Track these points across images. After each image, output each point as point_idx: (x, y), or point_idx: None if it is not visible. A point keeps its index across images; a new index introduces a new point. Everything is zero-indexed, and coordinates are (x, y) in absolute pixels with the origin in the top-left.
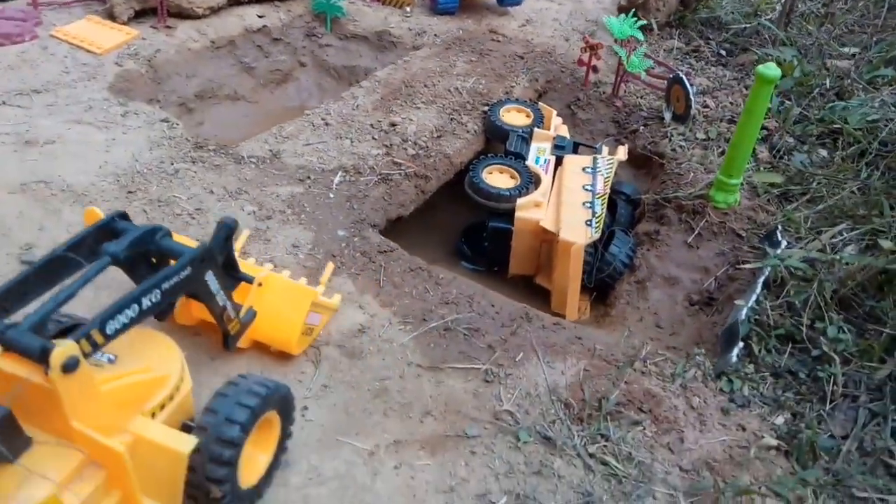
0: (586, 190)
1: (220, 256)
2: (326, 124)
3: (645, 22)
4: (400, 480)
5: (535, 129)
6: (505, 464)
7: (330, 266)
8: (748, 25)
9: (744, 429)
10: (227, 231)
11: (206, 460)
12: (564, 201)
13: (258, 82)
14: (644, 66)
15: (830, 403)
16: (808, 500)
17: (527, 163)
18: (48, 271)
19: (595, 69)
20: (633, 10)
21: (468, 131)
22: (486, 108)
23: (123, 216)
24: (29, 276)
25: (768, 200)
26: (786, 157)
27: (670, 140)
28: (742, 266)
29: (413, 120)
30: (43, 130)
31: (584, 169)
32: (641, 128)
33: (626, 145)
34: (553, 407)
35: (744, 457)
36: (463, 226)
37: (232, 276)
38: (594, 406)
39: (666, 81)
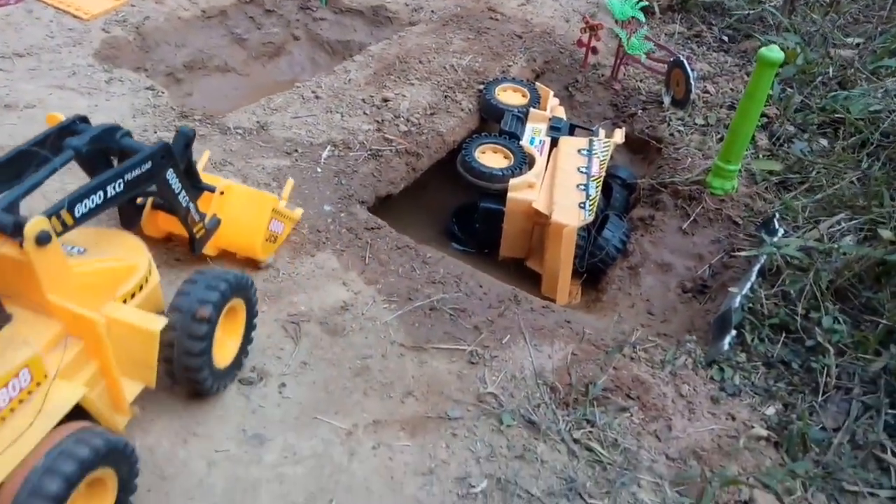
0: (581, 172)
1: (181, 162)
2: (317, 97)
3: (647, 3)
4: (378, 461)
5: (531, 110)
6: (487, 447)
7: (290, 182)
8: (752, 11)
9: (733, 418)
10: (184, 139)
11: (183, 336)
12: (558, 183)
13: (250, 54)
14: (644, 49)
15: (823, 395)
16: (797, 492)
17: (521, 143)
18: (15, 165)
19: (594, 51)
20: None
21: (462, 109)
22: (481, 87)
23: (84, 119)
24: None
25: (766, 188)
26: (785, 144)
27: (668, 125)
28: (737, 254)
29: (406, 96)
30: (24, 94)
31: (579, 151)
32: (640, 111)
33: (624, 128)
34: (538, 390)
35: (732, 447)
36: (454, 206)
37: (194, 185)
38: (581, 391)
39: (666, 65)
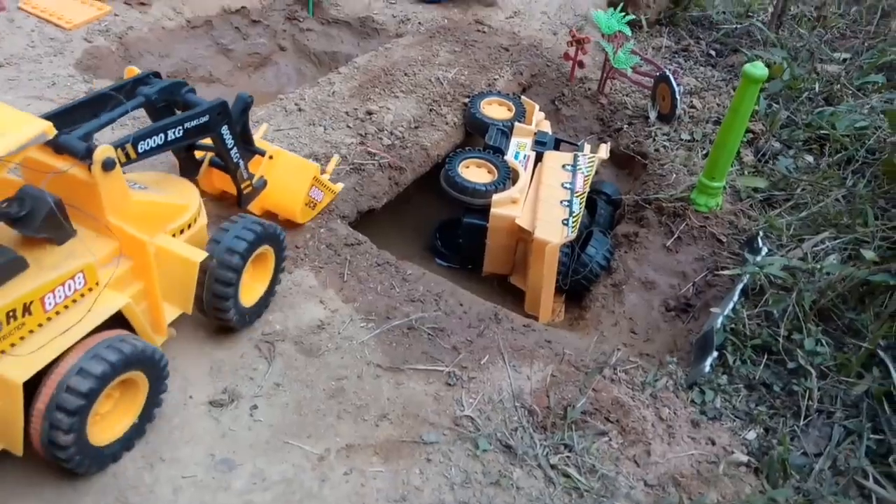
0: (565, 188)
1: (236, 124)
2: (300, 110)
3: (634, 17)
4: (349, 487)
5: (516, 124)
6: (462, 472)
7: (336, 158)
8: (739, 26)
9: (713, 443)
10: (242, 104)
11: (214, 272)
12: (542, 199)
13: (235, 65)
14: (631, 63)
15: (805, 419)
16: None
17: (506, 158)
18: (94, 104)
19: (581, 64)
20: (623, 4)
21: (447, 123)
22: (466, 100)
23: (157, 74)
24: (78, 105)
25: (751, 205)
26: (771, 161)
27: (654, 140)
28: (721, 272)
29: (391, 109)
30: None
31: (564, 166)
32: (625, 126)
33: (609, 143)
34: (516, 413)
35: (712, 473)
36: (438, 221)
37: (248, 147)
38: (559, 414)
39: (652, 79)
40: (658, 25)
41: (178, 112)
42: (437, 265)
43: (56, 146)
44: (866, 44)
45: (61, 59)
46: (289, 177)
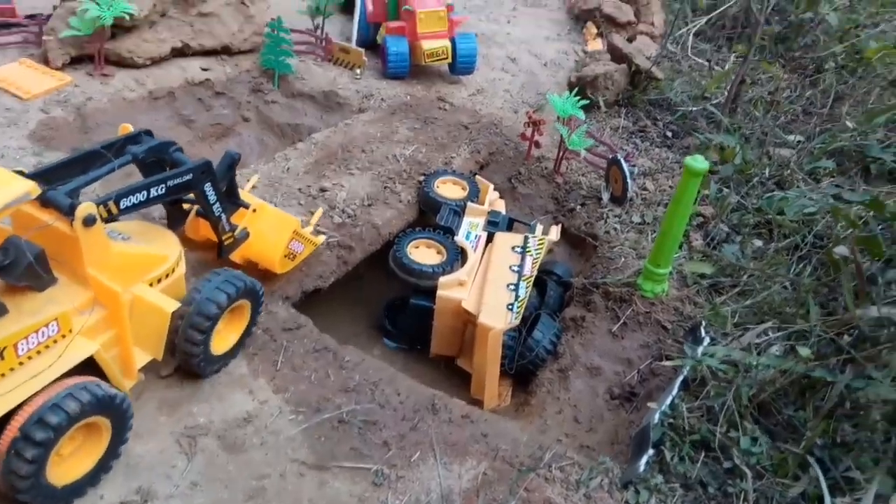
0: (513, 271)
1: (222, 180)
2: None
3: (587, 102)
4: None
5: (469, 204)
6: None
7: (319, 210)
8: (695, 108)
9: None
10: (229, 160)
11: (187, 324)
12: (489, 281)
13: (196, 135)
14: (584, 145)
15: None
16: None
17: (456, 238)
18: (84, 161)
19: (537, 144)
20: (582, 87)
21: (401, 201)
22: (422, 178)
23: (149, 133)
24: (68, 162)
25: (698, 291)
26: (719, 246)
27: (605, 222)
28: (663, 363)
29: (344, 186)
30: None
31: (513, 248)
32: (578, 207)
33: (560, 225)
34: None
35: None
36: (386, 300)
37: (233, 200)
38: None
39: (606, 161)
40: (617, 106)
41: (167, 169)
42: (385, 345)
43: (43, 201)
44: (818, 128)
45: (14, 129)
46: (270, 229)
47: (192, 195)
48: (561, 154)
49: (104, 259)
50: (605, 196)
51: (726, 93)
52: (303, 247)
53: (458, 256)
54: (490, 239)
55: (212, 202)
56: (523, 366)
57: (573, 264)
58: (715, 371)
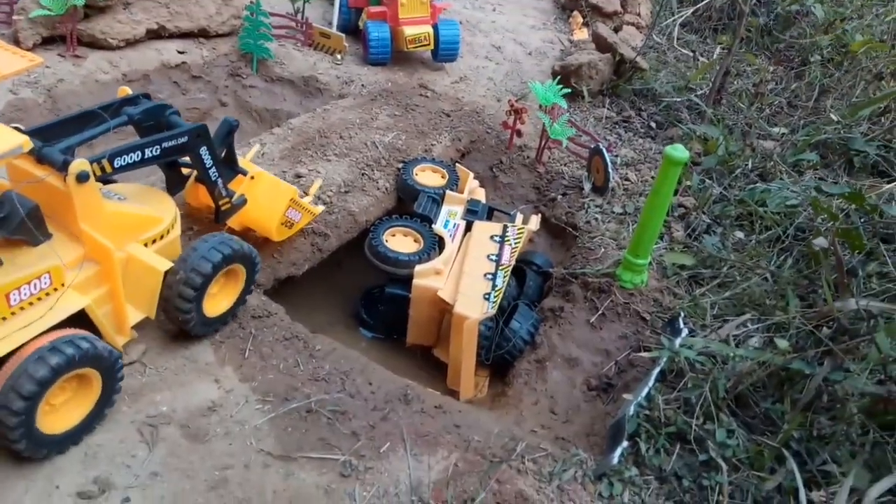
0: (491, 260)
1: (220, 147)
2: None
3: (569, 90)
4: None
5: (448, 192)
6: None
7: (318, 181)
8: (680, 99)
9: None
10: (227, 126)
11: (180, 283)
12: (466, 271)
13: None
14: (566, 134)
15: None
16: None
17: (434, 226)
18: (80, 120)
19: (519, 133)
20: (566, 76)
21: (379, 188)
22: (401, 166)
23: (147, 96)
24: (66, 121)
25: (677, 282)
26: (701, 237)
27: (586, 212)
28: (641, 354)
29: (321, 172)
30: None
31: (492, 237)
32: (560, 196)
33: (540, 215)
34: None
35: None
36: (363, 289)
37: (231, 167)
38: None
39: (588, 150)
40: (601, 96)
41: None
42: (361, 334)
43: (38, 157)
44: (802, 121)
45: None
46: (267, 197)
47: (189, 160)
48: (543, 143)
49: (97, 216)
50: (587, 186)
51: (711, 84)
52: (300, 216)
53: (435, 245)
54: (469, 228)
55: (208, 166)
56: (500, 356)
57: (554, 254)
58: (692, 363)
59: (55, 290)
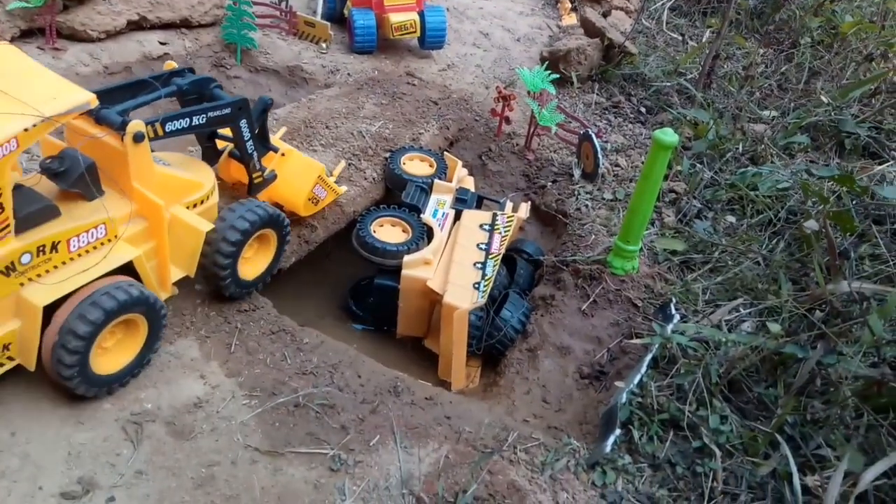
0: (480, 249)
1: (255, 123)
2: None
3: (557, 76)
4: None
5: (436, 181)
6: None
7: (342, 163)
8: (669, 84)
9: None
10: (263, 105)
11: (219, 242)
12: (455, 260)
13: (155, 112)
14: (555, 121)
15: (709, 502)
16: None
17: (422, 216)
18: (133, 88)
19: (507, 120)
20: (554, 62)
21: (366, 178)
22: (388, 155)
23: (191, 70)
24: (120, 87)
25: (669, 268)
26: (692, 222)
27: (577, 198)
28: (632, 341)
29: None
30: None
31: (481, 226)
32: (550, 184)
33: (529, 203)
34: (403, 502)
35: None
36: (352, 281)
37: (263, 143)
38: (449, 502)
39: (577, 137)
40: (590, 81)
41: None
42: (352, 327)
43: (97, 117)
44: (793, 103)
45: None
46: (296, 173)
47: (227, 134)
48: (532, 130)
49: (148, 176)
50: (577, 172)
51: (700, 68)
52: (326, 193)
53: (423, 235)
54: (458, 217)
55: (246, 139)
56: (492, 346)
57: (545, 242)
58: (685, 349)
59: (109, 240)
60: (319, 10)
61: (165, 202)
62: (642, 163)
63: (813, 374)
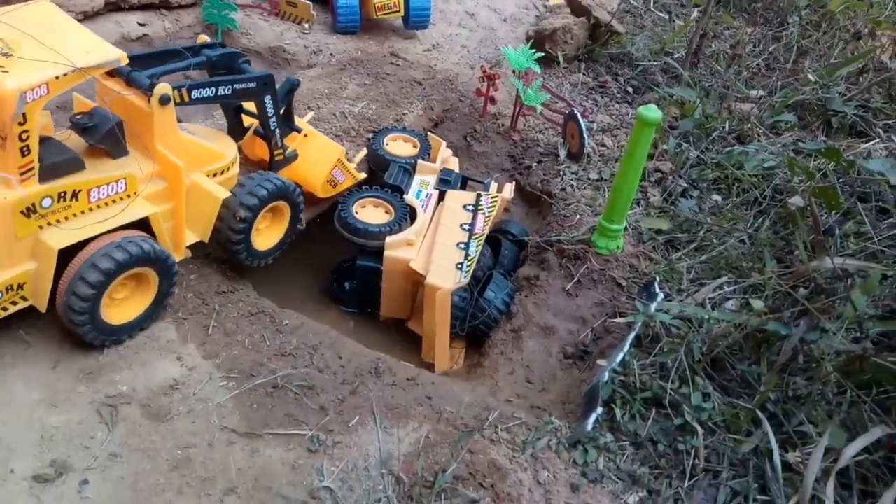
0: (464, 230)
1: (281, 102)
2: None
3: (542, 55)
4: None
5: (420, 162)
6: None
7: (363, 151)
8: (656, 63)
9: None
10: (290, 85)
11: (230, 216)
12: (438, 241)
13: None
14: (541, 100)
15: (690, 479)
16: None
17: (405, 197)
18: (165, 56)
19: (493, 100)
20: (540, 41)
21: (349, 159)
22: (370, 136)
23: (223, 45)
24: (153, 54)
25: (654, 247)
26: (678, 201)
27: (562, 179)
28: (616, 320)
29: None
30: None
31: (464, 206)
32: (535, 164)
33: (514, 183)
34: (382, 482)
35: None
36: (336, 262)
37: (287, 124)
38: (429, 481)
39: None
40: (577, 61)
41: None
42: (333, 308)
43: (128, 79)
44: (780, 82)
45: None
46: (316, 154)
47: (252, 109)
48: (517, 110)
49: (172, 139)
50: (562, 153)
51: (687, 47)
52: (345, 177)
53: (406, 216)
54: (442, 197)
55: (269, 115)
56: (476, 327)
57: (530, 223)
58: (668, 327)
59: (128, 196)
60: None
61: (187, 168)
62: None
63: (796, 350)
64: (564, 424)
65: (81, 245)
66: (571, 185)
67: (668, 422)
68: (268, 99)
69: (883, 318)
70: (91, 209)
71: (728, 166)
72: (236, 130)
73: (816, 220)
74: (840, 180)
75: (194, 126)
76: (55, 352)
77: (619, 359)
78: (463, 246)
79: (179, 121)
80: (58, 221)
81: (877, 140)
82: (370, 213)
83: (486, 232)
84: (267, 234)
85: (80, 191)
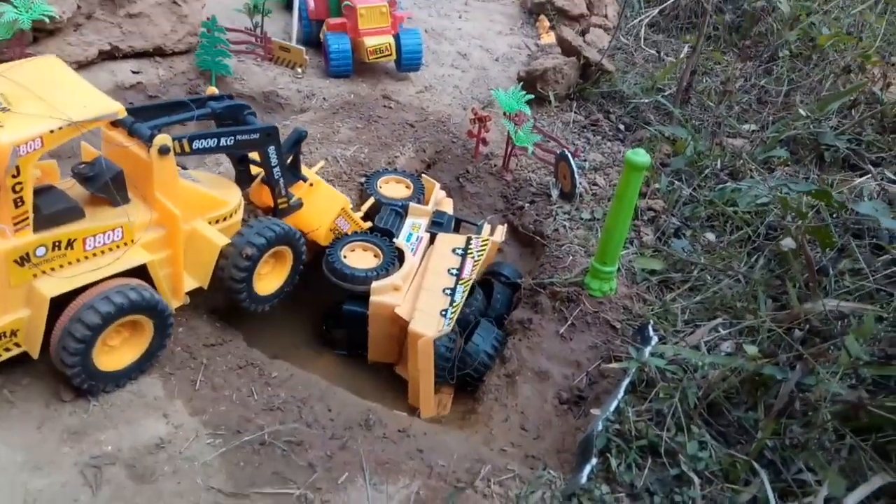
0: (451, 274)
1: (287, 152)
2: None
3: (532, 96)
4: None
5: (411, 204)
6: None
7: (371, 199)
8: (647, 101)
9: None
10: (297, 135)
11: (231, 263)
12: (425, 286)
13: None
14: (532, 141)
15: None
16: None
17: (395, 240)
18: (170, 107)
19: (485, 141)
20: (531, 81)
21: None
22: (364, 179)
23: (230, 97)
24: (158, 106)
25: (648, 288)
26: (671, 240)
27: (554, 219)
28: (610, 366)
29: None
30: None
31: (454, 250)
32: (528, 204)
33: (506, 225)
34: None
35: None
36: (325, 308)
37: (294, 172)
38: None
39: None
40: (568, 100)
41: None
42: (326, 352)
43: (130, 130)
44: (772, 117)
45: None
46: (321, 204)
47: (257, 159)
48: (509, 151)
49: (171, 188)
50: (555, 193)
51: (678, 84)
52: (349, 226)
53: (395, 260)
54: (433, 240)
55: (273, 165)
56: (465, 374)
57: (523, 264)
58: (663, 371)
59: (125, 244)
60: (294, 35)
61: (187, 215)
62: None
63: (793, 396)
64: (559, 476)
65: (78, 291)
66: (564, 226)
67: (664, 471)
68: (271, 149)
69: (880, 362)
70: (87, 257)
71: (720, 204)
72: (243, 178)
73: (810, 261)
74: (833, 216)
75: (200, 173)
76: (40, 411)
77: (612, 407)
78: (449, 292)
79: (184, 168)
80: (52, 270)
81: (869, 175)
82: (359, 256)
83: (475, 276)
84: (268, 280)
85: (74, 239)
